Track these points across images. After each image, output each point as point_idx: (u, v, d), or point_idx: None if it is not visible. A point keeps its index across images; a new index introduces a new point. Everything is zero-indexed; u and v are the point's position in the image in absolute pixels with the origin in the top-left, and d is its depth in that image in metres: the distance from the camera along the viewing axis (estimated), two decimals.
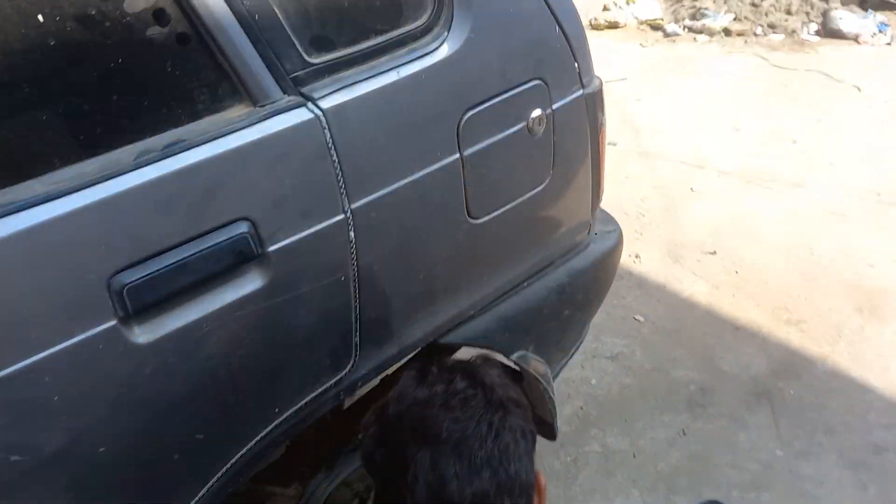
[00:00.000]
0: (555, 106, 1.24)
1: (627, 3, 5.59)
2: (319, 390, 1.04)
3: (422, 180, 1.07)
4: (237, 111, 0.87)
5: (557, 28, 1.20)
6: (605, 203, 3.23)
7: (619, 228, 1.63)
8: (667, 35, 5.26)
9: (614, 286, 2.81)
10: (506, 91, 1.15)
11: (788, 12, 5.23)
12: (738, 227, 3.13)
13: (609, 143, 3.77)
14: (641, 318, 2.66)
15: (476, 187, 1.16)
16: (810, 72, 4.64)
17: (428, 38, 1.05)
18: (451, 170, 1.11)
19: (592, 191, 1.42)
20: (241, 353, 0.91)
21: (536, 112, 1.21)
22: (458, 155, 1.11)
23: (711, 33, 5.16)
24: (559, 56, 1.22)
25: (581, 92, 1.28)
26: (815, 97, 4.32)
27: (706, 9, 5.31)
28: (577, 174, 1.36)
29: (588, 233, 1.47)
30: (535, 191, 1.27)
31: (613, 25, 5.39)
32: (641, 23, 5.44)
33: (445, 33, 1.06)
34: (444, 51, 1.05)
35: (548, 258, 1.39)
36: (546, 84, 1.21)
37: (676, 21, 5.39)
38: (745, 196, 3.36)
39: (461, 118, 1.10)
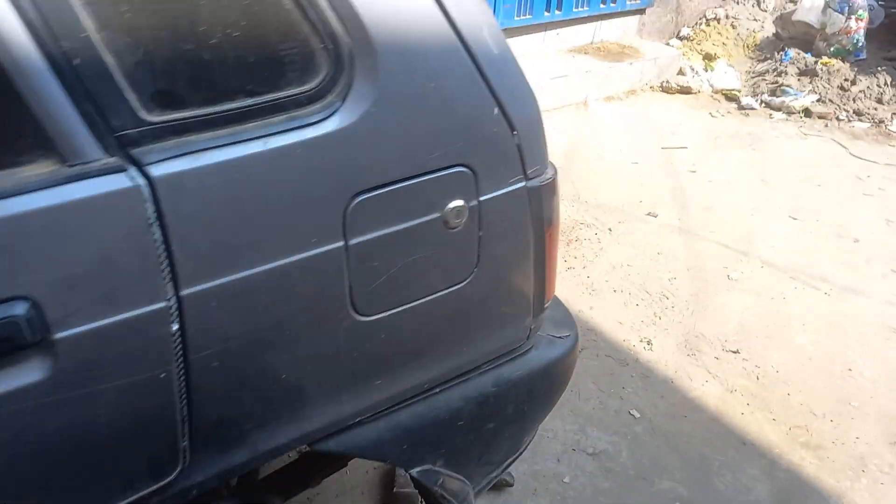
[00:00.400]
0: (483, 197, 1.08)
1: (706, 69, 5.33)
2: (133, 498, 0.90)
3: (288, 269, 0.92)
4: (38, 169, 0.75)
5: (497, 110, 1.04)
6: (630, 276, 3.07)
7: (576, 334, 1.43)
8: (741, 107, 4.96)
9: (615, 372, 2.60)
10: (414, 177, 1.00)
11: (879, 101, 4.85)
12: (771, 328, 2.84)
13: (649, 214, 3.57)
14: (637, 414, 2.41)
15: (366, 280, 1.01)
16: (891, 167, 4.26)
17: (315, 106, 0.91)
18: (332, 259, 0.96)
19: (535, 293, 1.24)
20: (13, 454, 0.78)
21: (456, 203, 1.05)
22: (342, 243, 0.96)
23: (790, 112, 4.83)
24: (496, 142, 1.06)
25: (523, 184, 1.12)
26: (891, 196, 3.95)
27: (788, 86, 4.98)
28: (511, 274, 1.18)
29: (527, 338, 1.29)
30: (451, 289, 1.11)
31: (685, 91, 5.13)
32: (716, 91, 5.16)
33: (339, 104, 0.92)
34: (332, 123, 0.91)
35: (468, 364, 1.22)
36: (473, 172, 1.05)
37: (754, 94, 5.08)
38: (788, 294, 3.06)
39: (350, 202, 0.95)
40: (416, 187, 1.00)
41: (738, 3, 5.77)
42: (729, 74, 5.28)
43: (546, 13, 4.85)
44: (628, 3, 5.22)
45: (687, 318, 2.89)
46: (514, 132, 1.08)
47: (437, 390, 1.21)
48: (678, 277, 3.15)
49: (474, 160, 1.05)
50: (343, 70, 0.91)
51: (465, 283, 1.12)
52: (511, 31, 4.79)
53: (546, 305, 1.30)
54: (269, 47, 0.87)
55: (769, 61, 5.39)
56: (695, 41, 5.67)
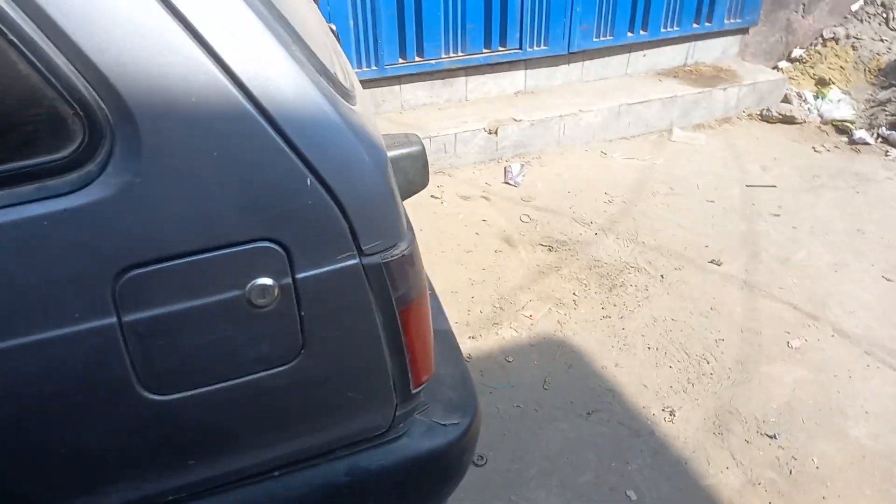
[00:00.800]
0: (300, 275, 0.95)
1: (816, 96, 4.79)
2: None
3: (46, 344, 0.85)
4: None
5: (312, 181, 0.91)
6: (671, 333, 2.79)
7: (471, 422, 1.25)
8: (852, 142, 4.41)
9: (624, 444, 2.32)
10: (202, 251, 0.89)
11: None
12: (824, 412, 2.44)
13: (712, 262, 3.22)
14: (634, 496, 2.14)
15: (154, 359, 0.92)
16: None
17: (70, 176, 0.82)
18: (102, 336, 0.88)
19: (396, 377, 1.09)
20: None
21: (262, 281, 0.93)
22: (113, 319, 0.87)
23: None
24: (313, 216, 0.93)
25: (356, 261, 0.97)
26: None
27: None
28: (354, 358, 1.04)
29: (391, 425, 1.14)
30: (273, 371, 0.99)
31: (788, 120, 4.64)
32: (825, 122, 4.62)
33: (97, 173, 0.83)
34: (90, 194, 0.82)
35: (312, 449, 1.09)
36: (285, 248, 0.93)
37: (870, 127, 4.50)
38: (856, 371, 2.63)
39: (119, 277, 0.86)
40: (206, 263, 0.89)
41: (861, 21, 5.14)
42: (843, 103, 4.71)
43: (630, 34, 4.55)
44: (727, 21, 4.78)
45: (725, 388, 2.56)
46: (342, 206, 0.94)
47: (276, 474, 1.09)
48: (727, 339, 2.80)
49: (285, 235, 0.92)
50: (103, 138, 0.82)
51: (290, 365, 1.00)
52: (589, 54, 4.54)
53: (415, 391, 1.14)
54: (6, 114, 0.79)
55: (894, 89, 4.75)
56: (807, 64, 5.11)
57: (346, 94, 1.02)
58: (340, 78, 1.07)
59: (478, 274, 3.16)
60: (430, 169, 4.45)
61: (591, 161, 4.22)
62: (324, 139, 0.92)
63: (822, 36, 5.22)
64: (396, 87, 4.17)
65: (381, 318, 1.03)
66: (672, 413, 2.44)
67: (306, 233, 0.93)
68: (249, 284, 0.92)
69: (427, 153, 4.31)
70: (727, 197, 3.85)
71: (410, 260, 1.04)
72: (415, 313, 1.07)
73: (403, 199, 1.51)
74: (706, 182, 3.99)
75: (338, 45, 1.52)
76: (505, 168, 4.05)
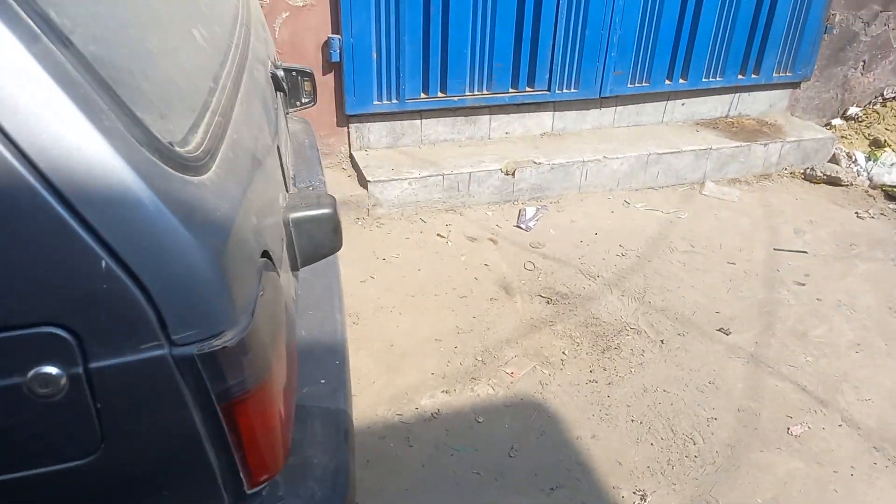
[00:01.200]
0: (95, 365, 0.86)
1: (869, 158, 4.48)
2: None
3: None
4: None
5: (107, 263, 0.83)
6: (660, 406, 2.66)
7: None
8: None
9: None
10: None
11: None
12: None
13: (720, 330, 3.01)
14: None
15: None
16: None
17: None
18: None
19: (224, 476, 0.99)
20: None
21: (46, 368, 0.85)
22: None
23: None
24: (111, 301, 0.85)
25: (164, 351, 0.88)
26: None
27: None
28: (170, 454, 0.95)
29: None
30: (70, 465, 0.91)
31: (833, 182, 4.34)
32: (874, 187, 4.31)
33: None
34: None
35: None
36: (76, 335, 0.85)
37: None
38: (860, 469, 2.38)
39: None
40: None
41: None
42: None
43: (668, 81, 4.36)
44: (776, 75, 4.54)
45: (708, 474, 2.35)
46: (147, 290, 0.85)
47: None
48: (720, 419, 2.58)
49: (75, 321, 0.84)
50: None
51: (90, 459, 0.92)
52: (622, 100, 4.38)
53: (252, 491, 1.03)
54: None
55: None
56: (863, 123, 4.80)
57: (184, 166, 0.94)
58: (188, 146, 0.99)
59: (467, 322, 3.04)
60: (440, 206, 4.30)
61: (612, 210, 4.05)
62: (127, 218, 0.84)
63: (882, 95, 4.90)
64: (417, 122, 4.11)
65: (200, 413, 0.94)
66: (643, 497, 2.25)
67: (101, 319, 0.85)
68: (31, 372, 0.85)
69: (440, 189, 4.15)
70: (751, 259, 3.61)
71: (242, 349, 0.94)
72: (251, 406, 0.98)
73: (309, 263, 1.42)
74: (731, 241, 3.76)
75: (262, 92, 1.45)
76: (519, 211, 3.92)
